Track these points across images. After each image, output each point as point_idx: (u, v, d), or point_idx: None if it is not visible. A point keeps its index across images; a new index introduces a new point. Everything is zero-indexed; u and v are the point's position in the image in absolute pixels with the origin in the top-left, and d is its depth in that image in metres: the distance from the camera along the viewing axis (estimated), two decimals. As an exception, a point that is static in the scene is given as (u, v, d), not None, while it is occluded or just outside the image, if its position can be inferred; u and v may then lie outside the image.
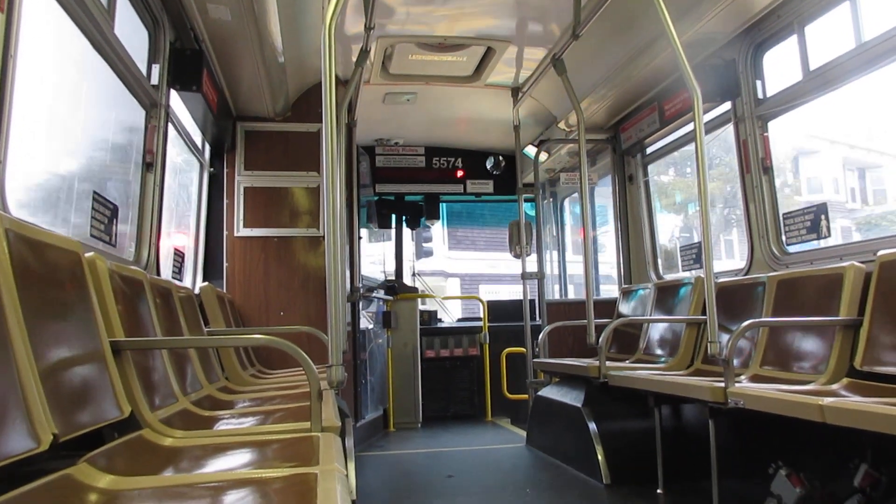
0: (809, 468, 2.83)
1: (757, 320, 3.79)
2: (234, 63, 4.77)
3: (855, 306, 3.34)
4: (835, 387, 3.14)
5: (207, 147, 5.61)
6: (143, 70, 3.81)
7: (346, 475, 1.75)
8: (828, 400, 2.46)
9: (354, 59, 4.89)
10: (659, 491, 3.94)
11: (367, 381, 6.44)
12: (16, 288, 1.64)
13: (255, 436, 2.37)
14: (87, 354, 2.03)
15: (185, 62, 4.12)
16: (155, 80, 3.92)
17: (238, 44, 4.44)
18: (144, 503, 1.56)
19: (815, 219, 4.02)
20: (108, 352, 2.16)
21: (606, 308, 6.09)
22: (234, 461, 2.06)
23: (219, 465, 2.02)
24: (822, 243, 4.03)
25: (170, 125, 4.14)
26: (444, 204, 9.13)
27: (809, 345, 3.52)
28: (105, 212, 3.12)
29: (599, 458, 4.27)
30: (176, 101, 4.32)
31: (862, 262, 3.43)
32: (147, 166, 3.86)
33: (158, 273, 3.91)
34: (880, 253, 3.28)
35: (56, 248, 2.01)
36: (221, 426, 2.67)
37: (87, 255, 2.25)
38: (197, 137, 5.27)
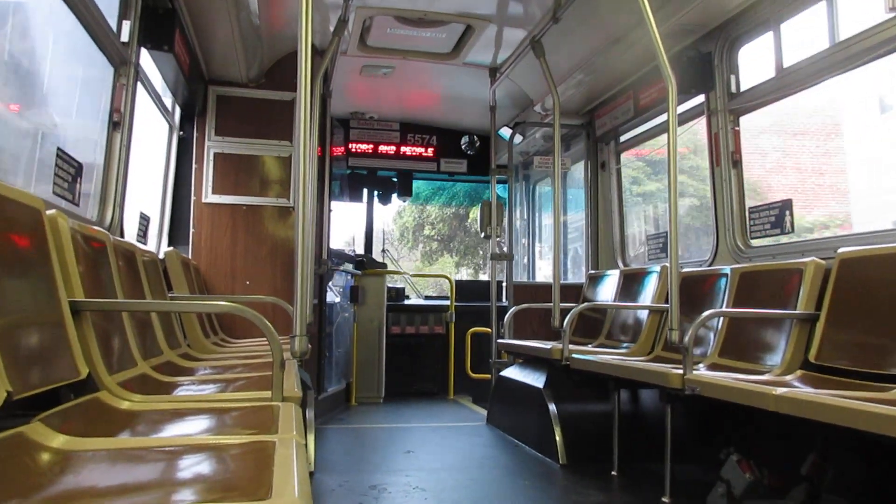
0: (761, 456, 2.91)
1: (717, 310, 3.86)
2: (208, 24, 4.66)
3: (813, 301, 3.43)
4: (789, 378, 3.22)
5: (178, 110, 5.48)
6: (114, 26, 3.71)
7: (305, 445, 1.75)
8: (780, 390, 2.52)
9: (332, 28, 4.81)
10: (613, 473, 4.01)
11: (332, 355, 6.43)
12: (-28, 241, 1.59)
13: (214, 403, 2.35)
14: (45, 313, 1.99)
15: (158, 20, 4.02)
16: (125, 37, 3.81)
17: (213, 4, 4.34)
18: (98, 464, 1.54)
19: (780, 214, 4.09)
20: (66, 312, 2.11)
21: (572, 292, 6.15)
22: (192, 427, 2.04)
23: (176, 431, 2.00)
24: (785, 239, 4.11)
25: (139, 85, 4.04)
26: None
27: (767, 336, 3.60)
28: (69, 169, 3.04)
29: (557, 438, 4.33)
30: (146, 60, 4.21)
31: (822, 259, 3.51)
32: (114, 125, 3.76)
33: (122, 235, 3.83)
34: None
35: (16, 203, 1.96)
36: (181, 392, 2.65)
37: (48, 212, 2.20)
38: (167, 99, 5.15)
